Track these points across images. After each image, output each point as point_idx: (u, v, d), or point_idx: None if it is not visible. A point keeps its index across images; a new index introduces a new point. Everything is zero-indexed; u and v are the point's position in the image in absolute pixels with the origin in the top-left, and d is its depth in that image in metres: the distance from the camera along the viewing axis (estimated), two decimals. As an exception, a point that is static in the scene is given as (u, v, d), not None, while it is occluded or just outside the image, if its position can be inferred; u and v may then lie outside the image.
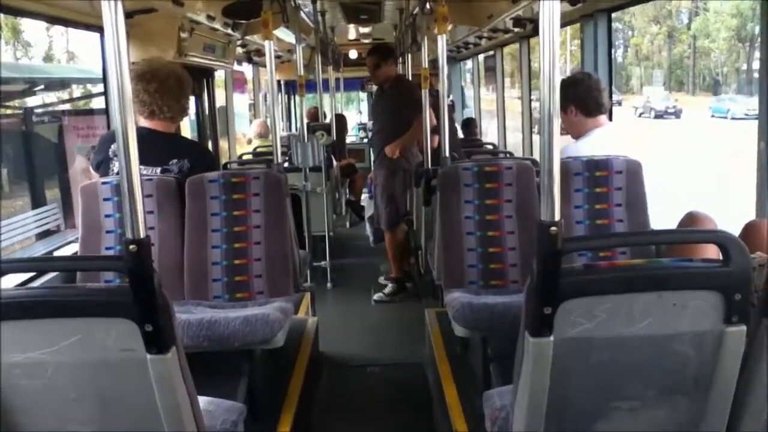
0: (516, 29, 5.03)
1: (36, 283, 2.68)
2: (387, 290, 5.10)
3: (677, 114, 28.74)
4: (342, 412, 3.24)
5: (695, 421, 1.57)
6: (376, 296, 5.09)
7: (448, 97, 4.98)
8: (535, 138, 5.50)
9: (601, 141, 2.97)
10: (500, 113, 6.65)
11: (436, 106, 4.60)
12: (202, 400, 1.70)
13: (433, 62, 4.66)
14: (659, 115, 28.54)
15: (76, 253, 3.07)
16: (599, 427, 1.57)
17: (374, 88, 5.69)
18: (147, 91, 2.89)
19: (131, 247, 1.37)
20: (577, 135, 3.03)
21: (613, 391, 1.54)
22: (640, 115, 28.90)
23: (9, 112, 5.88)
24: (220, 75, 6.58)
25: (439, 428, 2.99)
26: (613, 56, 4.11)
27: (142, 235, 1.39)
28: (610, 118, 3.18)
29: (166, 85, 2.91)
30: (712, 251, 2.01)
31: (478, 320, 2.56)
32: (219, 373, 2.55)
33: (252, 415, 2.38)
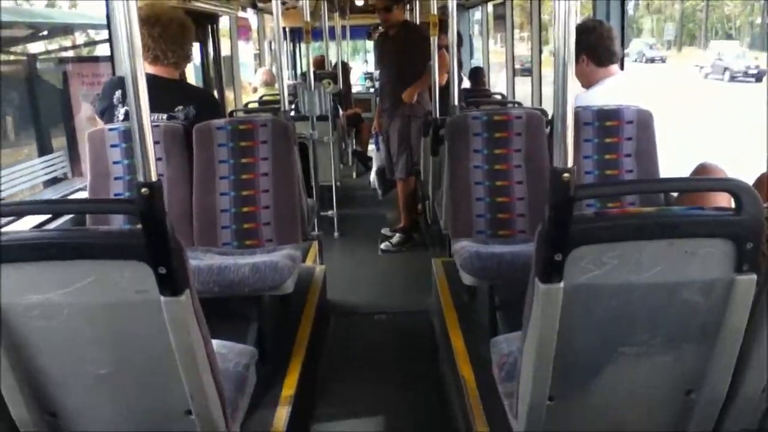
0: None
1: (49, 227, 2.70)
2: (394, 240, 5.12)
3: (759, 77, 21.53)
4: (349, 359, 3.29)
5: (701, 368, 1.59)
6: (383, 246, 5.12)
7: (458, 42, 4.88)
8: (545, 89, 5.44)
9: (613, 91, 2.93)
10: (509, 63, 6.55)
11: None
12: (215, 343, 1.73)
13: (442, 9, 4.57)
14: (735, 77, 22.47)
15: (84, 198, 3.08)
16: (605, 372, 1.60)
17: None
18: (151, 36, 2.85)
19: (143, 190, 1.38)
20: (588, 84, 2.99)
21: (621, 338, 1.55)
22: (706, 76, 23.65)
23: (12, 58, 5.82)
24: (224, 24, 6.50)
25: (445, 375, 3.04)
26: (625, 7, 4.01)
27: (153, 178, 1.39)
28: (622, 67, 3.12)
29: (170, 29, 2.87)
30: (722, 203, 2.01)
31: (485, 269, 2.58)
32: (229, 319, 2.59)
33: (262, 359, 2.42)
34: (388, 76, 5.05)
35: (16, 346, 1.50)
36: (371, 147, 8.47)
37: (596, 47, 2.91)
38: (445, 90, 5.26)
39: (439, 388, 2.96)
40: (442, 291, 3.52)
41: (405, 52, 4.85)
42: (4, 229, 1.53)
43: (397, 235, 5.14)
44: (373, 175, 5.95)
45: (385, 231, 5.36)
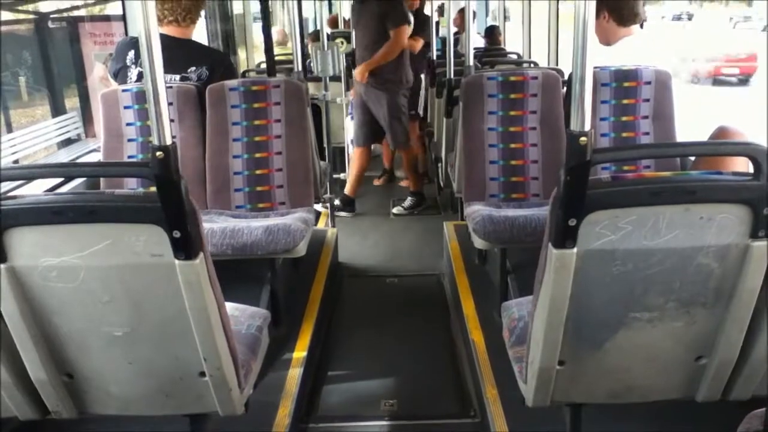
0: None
1: (63, 190, 2.71)
2: (406, 203, 5.11)
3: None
4: (361, 321, 3.32)
5: (713, 333, 1.59)
6: (395, 209, 5.11)
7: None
8: (562, 48, 5.33)
9: (632, 49, 2.87)
10: (525, 21, 6.42)
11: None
12: (228, 306, 1.74)
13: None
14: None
15: (99, 161, 3.09)
16: (617, 337, 1.60)
17: None
18: None
19: (158, 153, 1.37)
20: (606, 42, 2.93)
21: (633, 303, 1.55)
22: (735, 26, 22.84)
23: (23, 17, 5.78)
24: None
25: (456, 338, 3.07)
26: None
27: (168, 141, 1.38)
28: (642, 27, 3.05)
29: None
30: (741, 167, 1.98)
31: (498, 232, 2.57)
32: (242, 281, 2.61)
33: (274, 321, 2.45)
34: (365, 42, 4.76)
35: (33, 308, 1.52)
36: (347, 118, 8.41)
37: (621, 6, 2.84)
38: (420, 56, 5.29)
39: (449, 351, 2.99)
40: (454, 254, 3.53)
41: (381, 18, 4.61)
42: (19, 192, 1.53)
43: (409, 198, 5.13)
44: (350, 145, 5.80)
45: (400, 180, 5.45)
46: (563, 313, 1.53)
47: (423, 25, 5.34)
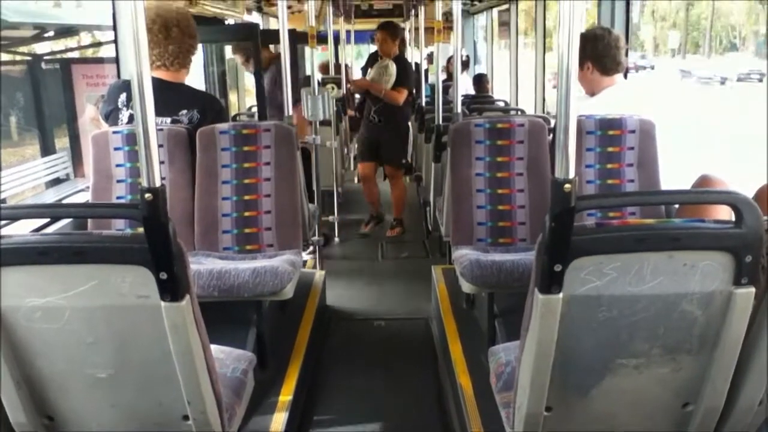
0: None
1: (49, 230, 2.70)
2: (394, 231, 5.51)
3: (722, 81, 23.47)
4: (348, 364, 3.29)
5: (699, 380, 1.59)
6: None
7: (462, 49, 4.91)
8: (548, 95, 5.44)
9: (616, 100, 2.93)
10: (513, 69, 6.56)
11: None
12: (213, 348, 1.73)
13: (446, 15, 4.58)
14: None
15: (87, 201, 3.08)
16: (603, 383, 1.60)
17: None
18: (155, 39, 2.85)
19: (147, 195, 1.38)
20: (591, 92, 3.00)
21: (619, 349, 1.55)
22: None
23: (18, 58, 5.84)
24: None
25: (443, 383, 3.04)
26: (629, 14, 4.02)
27: (158, 183, 1.39)
28: (625, 76, 3.13)
29: (173, 32, 2.87)
30: (723, 214, 2.01)
31: (485, 276, 2.58)
32: (228, 324, 2.59)
33: (260, 365, 2.43)
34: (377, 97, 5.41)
35: (16, 348, 1.50)
36: None
37: (603, 56, 2.92)
38: (405, 105, 5.51)
39: (437, 396, 2.96)
40: (442, 298, 3.52)
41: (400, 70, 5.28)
42: (5, 231, 1.53)
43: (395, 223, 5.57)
44: None
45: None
46: (550, 358, 1.53)
47: (404, 74, 5.36)
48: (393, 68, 5.24)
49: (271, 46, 5.10)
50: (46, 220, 2.71)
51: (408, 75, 5.38)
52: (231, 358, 1.96)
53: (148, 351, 1.52)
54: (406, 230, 5.56)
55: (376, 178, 5.68)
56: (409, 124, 5.60)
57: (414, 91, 5.70)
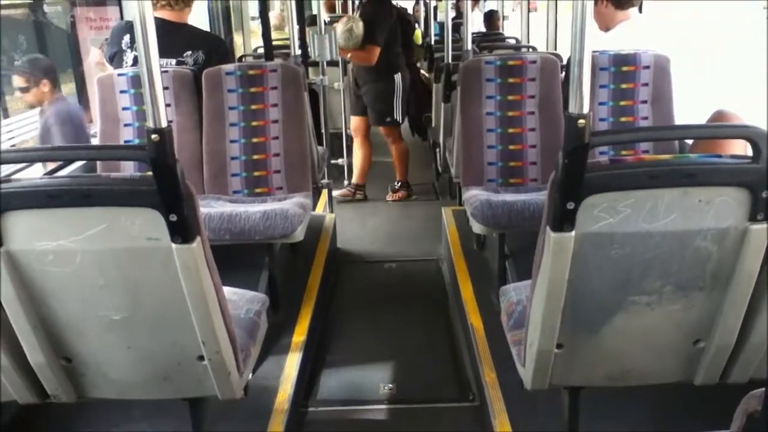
0: None
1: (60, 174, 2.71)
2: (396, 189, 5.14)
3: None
4: (359, 306, 3.33)
5: (711, 317, 1.59)
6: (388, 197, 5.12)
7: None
8: (560, 33, 5.30)
9: (631, 34, 2.85)
10: (524, 6, 6.39)
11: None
12: (226, 290, 1.74)
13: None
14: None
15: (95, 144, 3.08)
16: (614, 320, 1.60)
17: None
18: None
19: (153, 136, 1.36)
20: (605, 27, 2.91)
21: (631, 286, 1.55)
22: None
23: (19, 2, 5.73)
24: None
25: (454, 323, 3.07)
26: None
27: (163, 124, 1.38)
28: (640, 10, 3.04)
29: None
30: (739, 150, 1.97)
31: (496, 217, 2.57)
32: (240, 266, 2.61)
33: (273, 306, 2.45)
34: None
35: (30, 292, 1.51)
36: None
37: None
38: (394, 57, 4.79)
39: (448, 336, 3.00)
40: (452, 240, 3.53)
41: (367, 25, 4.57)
42: (16, 176, 1.52)
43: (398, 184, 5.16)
44: None
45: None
46: (561, 296, 1.53)
47: (372, 26, 4.55)
48: (359, 26, 4.51)
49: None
50: (55, 166, 2.71)
51: (377, 26, 4.54)
52: (244, 299, 1.98)
53: (160, 293, 1.53)
54: (413, 194, 5.10)
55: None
56: (398, 76, 4.79)
57: (390, 43, 4.68)
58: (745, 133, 1.46)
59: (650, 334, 1.63)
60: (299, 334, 2.69)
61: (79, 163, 2.78)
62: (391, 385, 2.61)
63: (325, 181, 4.07)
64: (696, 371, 1.69)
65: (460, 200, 3.27)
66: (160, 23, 2.82)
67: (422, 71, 6.16)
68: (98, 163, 2.77)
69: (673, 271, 1.52)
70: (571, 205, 1.42)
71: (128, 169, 2.81)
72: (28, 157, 1.84)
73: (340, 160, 5.24)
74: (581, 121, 1.35)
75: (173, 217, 1.41)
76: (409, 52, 5.41)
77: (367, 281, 3.65)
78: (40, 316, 1.56)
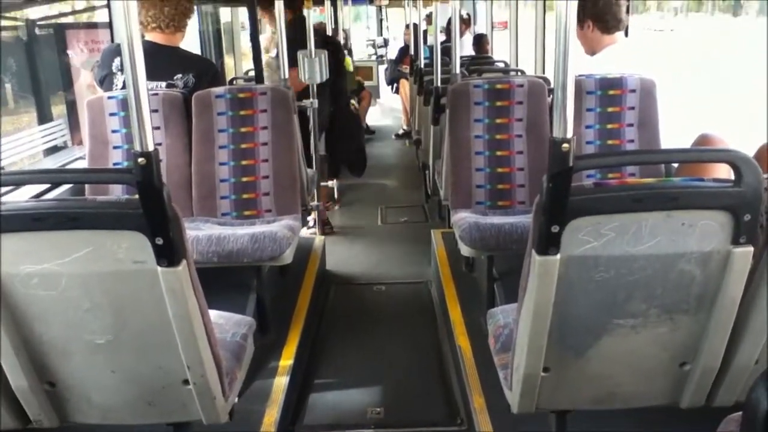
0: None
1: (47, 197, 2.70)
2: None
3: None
4: (348, 329, 3.31)
5: (696, 340, 1.60)
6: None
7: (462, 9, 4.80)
8: (548, 56, 5.37)
9: (617, 58, 2.89)
10: (512, 29, 6.47)
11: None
12: (213, 314, 1.74)
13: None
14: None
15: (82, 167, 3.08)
16: (600, 343, 1.60)
17: (383, 1, 5.40)
18: (150, 3, 2.81)
19: (140, 159, 1.37)
20: (591, 51, 2.95)
21: (617, 309, 1.55)
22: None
23: (10, 24, 5.75)
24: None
25: (443, 345, 3.06)
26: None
27: (150, 147, 1.38)
28: (626, 35, 3.09)
29: None
30: (722, 173, 2.00)
31: (484, 239, 2.58)
32: (228, 289, 2.60)
33: (261, 329, 2.44)
34: None
35: (15, 315, 1.50)
36: (372, 109, 8.41)
37: (604, 13, 2.86)
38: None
39: (436, 359, 2.99)
40: (441, 262, 3.53)
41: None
42: (2, 199, 1.52)
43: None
44: None
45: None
46: (547, 319, 1.53)
47: (293, 51, 3.93)
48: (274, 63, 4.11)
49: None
50: (43, 189, 2.71)
51: (293, 50, 3.92)
52: (231, 323, 1.97)
53: (146, 317, 1.52)
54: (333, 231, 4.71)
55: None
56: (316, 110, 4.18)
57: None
58: (728, 157, 1.48)
59: (636, 356, 1.63)
60: (286, 358, 2.67)
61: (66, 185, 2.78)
62: (378, 409, 2.59)
63: (314, 203, 4.07)
64: (682, 394, 1.70)
65: (449, 222, 3.28)
66: (151, 46, 2.85)
67: (353, 102, 5.95)
68: (86, 185, 2.77)
69: (657, 294, 1.52)
70: (555, 229, 1.43)
71: (116, 191, 2.82)
72: (13, 180, 1.83)
73: (329, 183, 5.25)
74: (565, 145, 1.37)
75: (159, 240, 1.42)
76: (338, 81, 4.89)
77: (356, 304, 3.64)
78: (23, 340, 1.54)
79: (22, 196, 2.50)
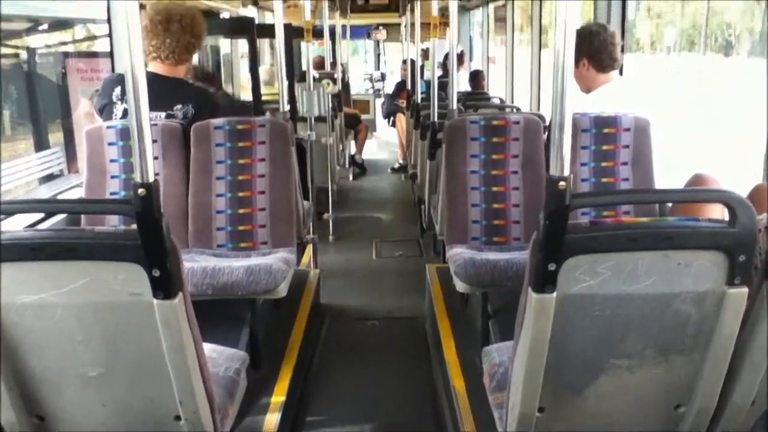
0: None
1: (43, 227, 2.69)
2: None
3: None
4: (342, 364, 3.28)
5: (691, 381, 1.59)
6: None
7: (457, 47, 4.89)
8: (544, 93, 5.44)
9: (612, 96, 2.93)
10: (509, 66, 6.56)
11: None
12: (206, 347, 1.72)
13: (443, 10, 4.56)
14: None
15: (81, 197, 3.07)
16: (596, 383, 1.60)
17: (381, 36, 5.53)
18: (153, 30, 2.84)
19: (140, 190, 1.37)
20: (587, 89, 3.00)
21: (612, 348, 1.55)
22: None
23: (11, 51, 5.80)
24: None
25: (437, 384, 3.04)
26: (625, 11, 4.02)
27: (151, 179, 1.38)
28: (621, 73, 3.13)
29: (173, 27, 2.86)
30: (716, 214, 2.01)
31: (479, 276, 2.57)
32: (222, 322, 2.58)
33: (253, 364, 2.42)
34: None
35: (7, 346, 1.49)
36: (368, 142, 8.45)
37: (599, 53, 2.91)
38: None
39: (431, 397, 2.96)
40: (436, 297, 3.52)
41: None
42: (-2, 228, 1.52)
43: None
44: None
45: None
46: (543, 358, 1.53)
47: None
48: None
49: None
50: (40, 217, 2.70)
51: None
52: (224, 357, 1.95)
53: (139, 349, 1.51)
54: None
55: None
56: None
57: None
58: (722, 197, 1.49)
59: (632, 397, 1.63)
60: (279, 394, 2.64)
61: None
62: None
63: (310, 236, 4.07)
64: None
65: (444, 257, 3.28)
66: (152, 77, 2.86)
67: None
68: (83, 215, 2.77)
69: (653, 333, 1.52)
70: (552, 266, 1.43)
71: (113, 220, 2.81)
72: (9, 210, 1.82)
73: (326, 215, 5.26)
74: (562, 183, 1.38)
75: (156, 272, 1.41)
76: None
77: (350, 339, 3.61)
78: (14, 371, 1.53)
79: (16, 225, 2.49)
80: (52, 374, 1.54)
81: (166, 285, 1.42)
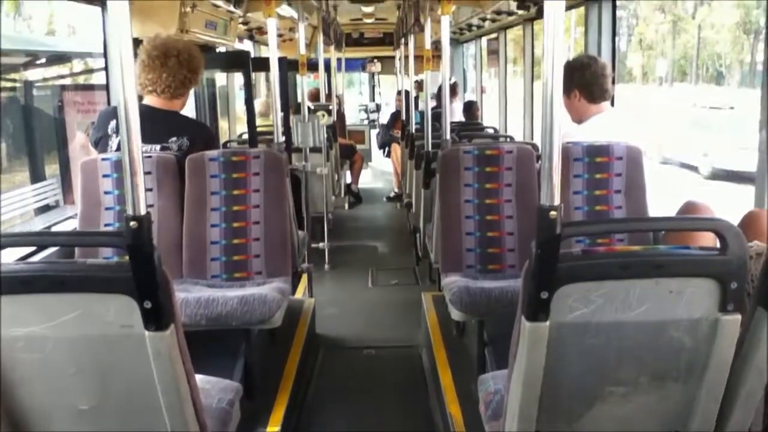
0: (520, 11, 4.99)
1: (35, 259, 2.68)
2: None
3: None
4: (337, 394, 3.26)
5: (687, 408, 1.58)
6: None
7: (450, 79, 4.95)
8: (537, 123, 5.49)
9: (604, 127, 2.96)
10: (502, 97, 6.63)
11: None
12: (199, 378, 1.71)
13: (436, 44, 4.63)
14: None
15: (75, 229, 3.07)
16: (591, 412, 1.59)
17: (375, 68, 5.62)
18: (150, 65, 2.87)
19: (132, 223, 1.37)
20: (579, 120, 3.03)
21: (607, 376, 1.55)
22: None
23: (9, 85, 5.85)
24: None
25: (433, 412, 3.01)
26: (616, 43, 4.09)
27: (142, 211, 1.39)
28: (612, 104, 3.17)
29: (170, 62, 2.89)
30: (709, 241, 2.02)
31: (474, 304, 2.57)
32: (216, 352, 2.56)
33: (248, 395, 2.40)
34: None
35: (-3, 379, 1.48)
36: (364, 172, 8.49)
37: (590, 84, 2.95)
38: None
39: (427, 426, 2.93)
40: (432, 326, 3.51)
41: None
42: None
43: None
44: None
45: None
46: (538, 386, 1.52)
47: None
48: None
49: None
50: (31, 250, 2.70)
51: None
52: (217, 388, 1.93)
53: (131, 382, 1.50)
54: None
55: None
56: None
57: None
58: (713, 225, 1.50)
59: (627, 425, 1.61)
60: (274, 425, 2.61)
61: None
62: None
63: (305, 265, 4.06)
64: None
65: (440, 285, 3.27)
66: (148, 110, 2.89)
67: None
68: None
69: (647, 361, 1.52)
70: (545, 295, 1.43)
71: (106, 252, 2.80)
72: (3, 243, 1.82)
73: (320, 244, 5.25)
74: (552, 212, 1.39)
75: (148, 304, 1.41)
76: None
77: (346, 369, 3.58)
78: (5, 405, 1.51)
79: (6, 257, 2.48)
80: (42, 408, 1.52)
81: (157, 317, 1.42)
